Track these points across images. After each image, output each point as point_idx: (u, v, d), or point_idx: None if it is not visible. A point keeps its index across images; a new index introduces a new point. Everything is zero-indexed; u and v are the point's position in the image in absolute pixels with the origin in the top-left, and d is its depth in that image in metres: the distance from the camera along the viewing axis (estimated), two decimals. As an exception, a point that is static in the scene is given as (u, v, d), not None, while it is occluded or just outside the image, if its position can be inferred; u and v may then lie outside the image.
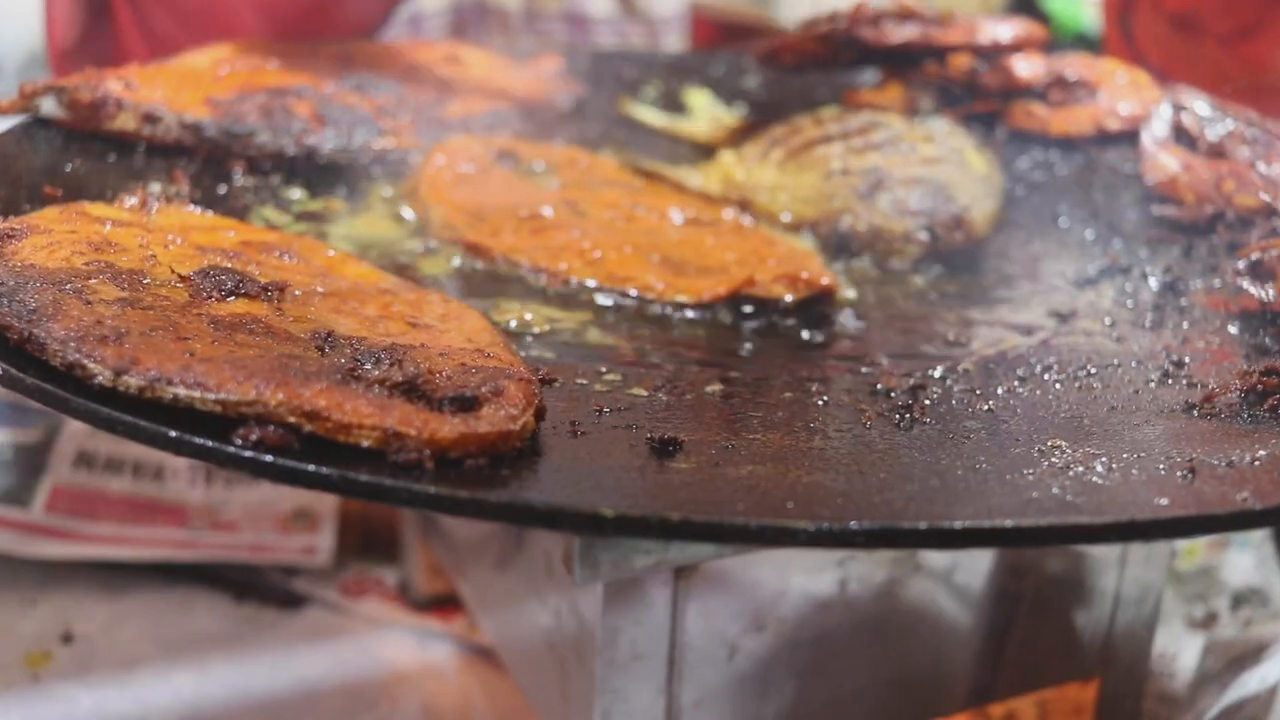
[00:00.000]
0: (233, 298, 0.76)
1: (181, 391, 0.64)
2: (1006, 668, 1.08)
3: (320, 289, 0.82)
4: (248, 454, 0.62)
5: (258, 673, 1.23)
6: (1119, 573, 1.10)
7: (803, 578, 0.95)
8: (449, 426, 0.63)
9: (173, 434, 0.63)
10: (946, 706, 1.07)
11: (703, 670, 0.94)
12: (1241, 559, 1.39)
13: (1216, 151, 1.15)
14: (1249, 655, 1.28)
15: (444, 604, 1.29)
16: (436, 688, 1.22)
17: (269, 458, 0.62)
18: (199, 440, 0.63)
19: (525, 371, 0.71)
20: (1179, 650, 1.28)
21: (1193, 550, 1.40)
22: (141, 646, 1.23)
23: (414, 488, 0.60)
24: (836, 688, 1.01)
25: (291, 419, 0.63)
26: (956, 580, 1.05)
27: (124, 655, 1.22)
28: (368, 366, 0.68)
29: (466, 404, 0.65)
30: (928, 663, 1.05)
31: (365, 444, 0.63)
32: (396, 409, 0.63)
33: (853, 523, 0.59)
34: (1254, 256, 0.97)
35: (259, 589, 1.31)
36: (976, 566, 1.03)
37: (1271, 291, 0.94)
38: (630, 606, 0.89)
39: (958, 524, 0.59)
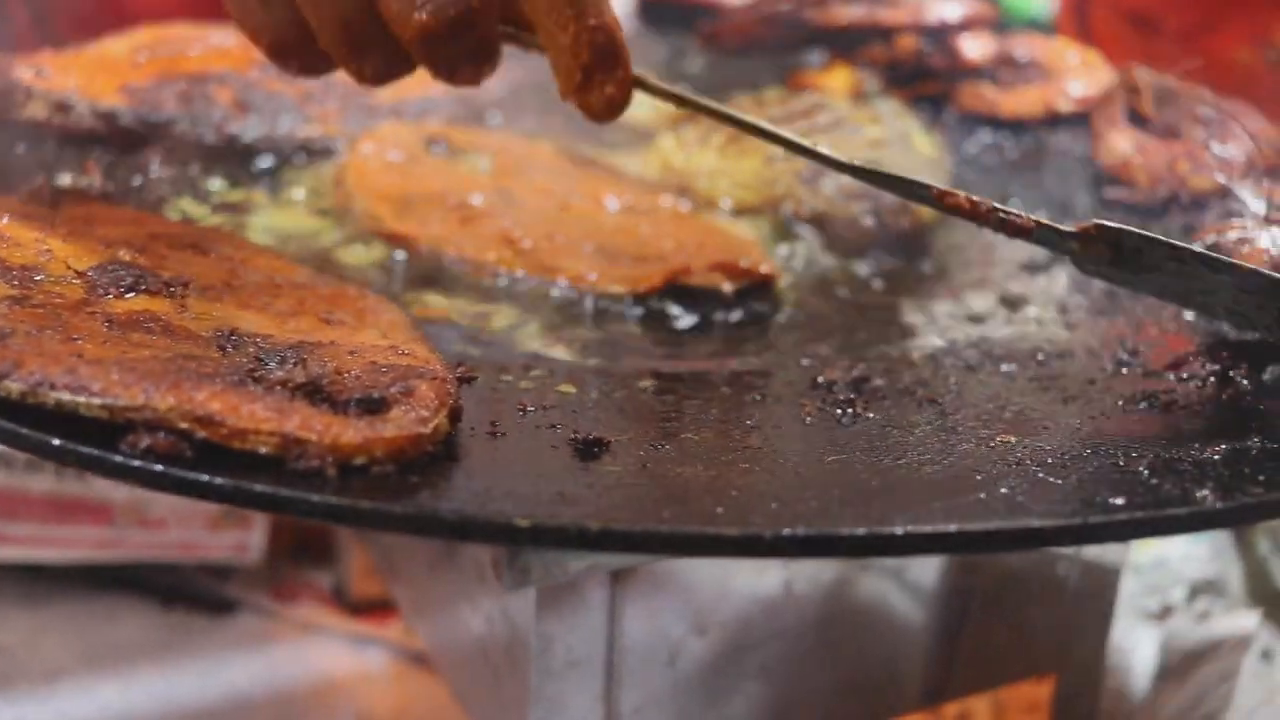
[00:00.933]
0: (132, 294, 0.72)
1: (65, 396, 0.59)
2: (960, 666, 1.05)
3: (230, 284, 0.77)
4: (135, 463, 0.57)
5: (186, 682, 1.18)
6: (1074, 566, 1.07)
7: (747, 578, 0.91)
8: (353, 430, 0.59)
9: (56, 442, 0.59)
10: (899, 707, 1.04)
11: (643, 676, 0.90)
12: (1198, 549, 1.36)
13: (1170, 132, 1.12)
14: (1207, 649, 1.25)
15: (379, 608, 1.25)
16: (371, 695, 1.18)
17: (158, 467, 0.57)
18: (83, 449, 0.58)
19: (442, 369, 0.67)
20: (1134, 644, 1.26)
21: (1148, 540, 1.38)
22: (65, 657, 1.18)
23: (312, 498, 0.55)
24: (784, 691, 0.97)
25: (183, 424, 0.58)
26: (907, 577, 1.01)
27: (47, 666, 1.17)
28: (271, 366, 0.64)
29: (374, 406, 0.61)
30: (879, 663, 1.02)
31: (264, 450, 0.58)
32: (297, 412, 0.59)
33: (786, 530, 0.54)
34: (1209, 239, 0.94)
35: (187, 595, 1.26)
36: (928, 562, 1.00)
37: None
38: (565, 612, 0.85)
39: (899, 529, 0.55)
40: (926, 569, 1.01)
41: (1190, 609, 1.30)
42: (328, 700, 1.17)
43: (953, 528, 0.56)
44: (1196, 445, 0.67)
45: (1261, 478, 0.62)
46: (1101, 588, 1.09)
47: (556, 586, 0.84)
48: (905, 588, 1.02)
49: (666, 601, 0.89)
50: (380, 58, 0.79)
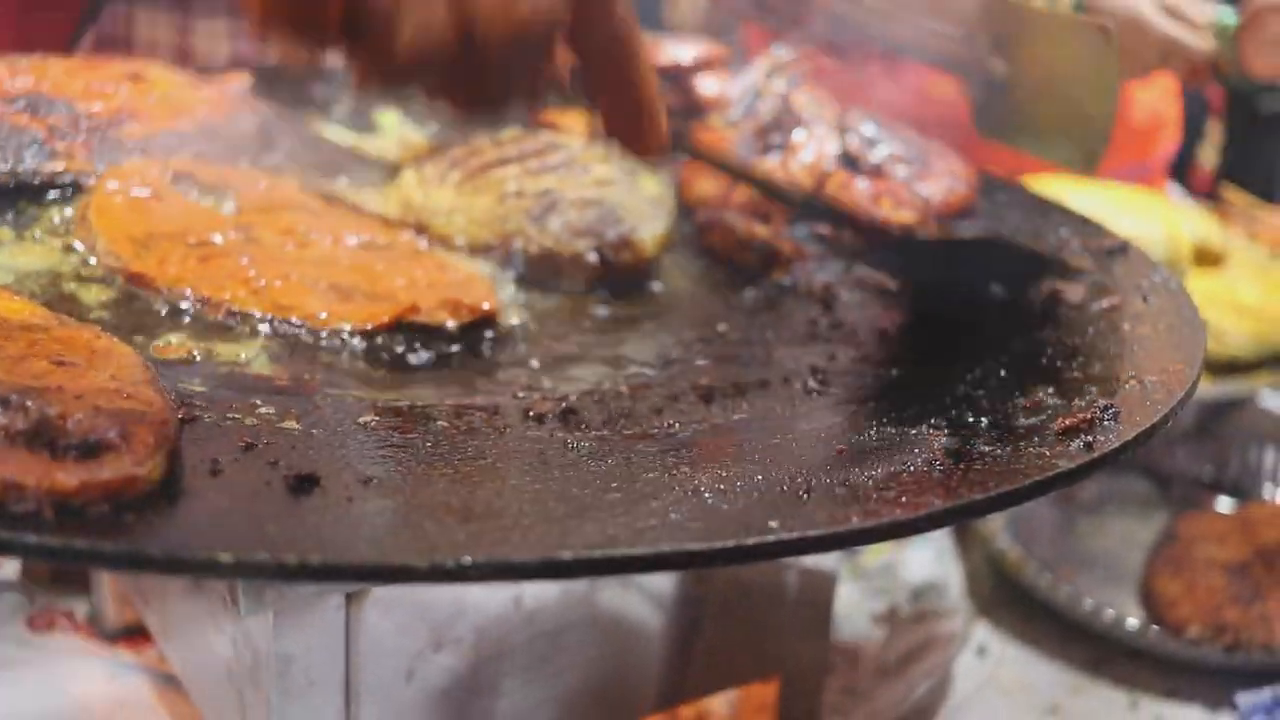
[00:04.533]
0: None
1: None
2: (696, 669, 1.12)
3: (-39, 328, 0.80)
4: None
5: (-64, 714, 1.19)
6: (794, 574, 1.15)
7: (478, 595, 0.97)
8: (67, 474, 0.63)
9: None
10: (637, 710, 1.10)
11: (381, 694, 0.95)
12: (922, 554, 1.46)
13: (876, 172, 1.21)
14: (925, 645, 1.35)
15: (135, 634, 1.27)
16: (128, 720, 1.20)
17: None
18: None
19: (162, 412, 0.71)
20: (862, 644, 1.35)
21: (878, 548, 1.47)
22: None
23: (27, 539, 0.59)
24: (522, 700, 1.03)
25: (-98, 472, 0.62)
26: (643, 585, 1.07)
27: None
28: (-6, 412, 0.67)
29: (91, 450, 0.65)
30: (616, 668, 1.08)
31: (-17, 495, 0.62)
32: (15, 458, 0.63)
33: (465, 558, 0.60)
34: None
35: (-61, 626, 1.26)
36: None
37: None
38: (301, 633, 0.89)
39: (567, 555, 0.61)
40: (661, 578, 1.07)
41: (912, 609, 1.40)
42: (84, 727, 1.18)
43: (618, 553, 0.62)
44: (858, 469, 0.75)
45: (904, 499, 0.70)
46: (820, 593, 1.17)
47: (291, 609, 0.88)
48: (642, 596, 1.08)
49: (402, 620, 0.94)
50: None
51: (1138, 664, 1.34)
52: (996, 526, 1.45)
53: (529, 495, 0.71)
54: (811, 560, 1.14)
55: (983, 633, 1.38)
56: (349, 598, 0.90)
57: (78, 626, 1.29)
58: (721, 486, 0.71)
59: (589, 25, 0.80)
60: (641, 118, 0.85)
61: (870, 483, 0.72)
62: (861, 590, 1.42)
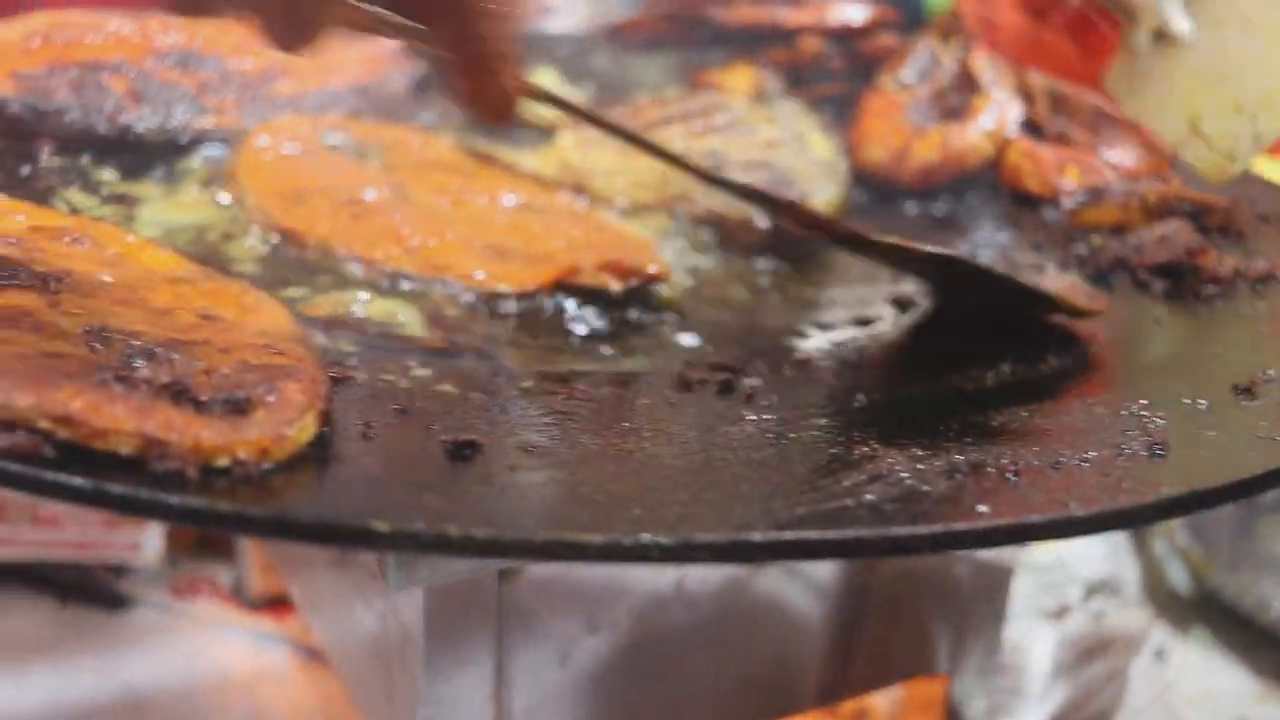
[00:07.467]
0: (4, 289, 0.70)
1: (-79, 394, 0.58)
2: (858, 664, 1.06)
3: (108, 278, 0.76)
4: (-8, 463, 0.56)
5: (81, 679, 1.17)
6: (969, 566, 1.08)
7: (639, 575, 0.91)
8: (214, 431, 0.58)
9: (-90, 441, 0.57)
10: (796, 704, 1.05)
11: (534, 676, 0.90)
12: (1095, 549, 1.38)
13: (1061, 139, 1.13)
14: (1100, 646, 1.27)
15: (279, 604, 1.24)
16: (270, 692, 1.18)
17: (14, 467, 0.56)
18: (-61, 448, 0.57)
19: (314, 370, 0.66)
20: (1032, 642, 1.27)
21: (1047, 539, 1.39)
22: (-45, 654, 1.17)
23: (169, 501, 0.54)
24: (678, 688, 0.98)
25: (43, 424, 0.57)
26: (805, 575, 1.02)
27: (-63, 663, 1.16)
28: (138, 364, 0.62)
29: (239, 406, 0.60)
30: (775, 660, 1.02)
31: (125, 451, 0.57)
32: (158, 413, 0.58)
33: (645, 536, 0.54)
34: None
35: (84, 590, 1.25)
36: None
37: None
38: (453, 611, 0.85)
39: (757, 537, 0.55)
40: (824, 566, 1.01)
41: (1086, 608, 1.32)
42: (225, 697, 1.16)
43: (814, 536, 0.56)
44: (1068, 450, 0.67)
45: (1125, 485, 0.63)
46: (995, 587, 1.10)
47: (444, 586, 0.83)
48: (803, 585, 1.02)
49: (557, 600, 0.89)
50: None
51: (1329, 674, 1.25)
52: (1175, 523, 1.36)
53: (706, 471, 0.64)
54: (988, 552, 1.06)
55: (1160, 635, 1.29)
56: (502, 575, 0.85)
57: (221, 594, 1.27)
58: (919, 466, 0.64)
59: None
60: (480, 73, 0.75)
61: (1086, 465, 0.65)
62: (1032, 586, 1.34)
